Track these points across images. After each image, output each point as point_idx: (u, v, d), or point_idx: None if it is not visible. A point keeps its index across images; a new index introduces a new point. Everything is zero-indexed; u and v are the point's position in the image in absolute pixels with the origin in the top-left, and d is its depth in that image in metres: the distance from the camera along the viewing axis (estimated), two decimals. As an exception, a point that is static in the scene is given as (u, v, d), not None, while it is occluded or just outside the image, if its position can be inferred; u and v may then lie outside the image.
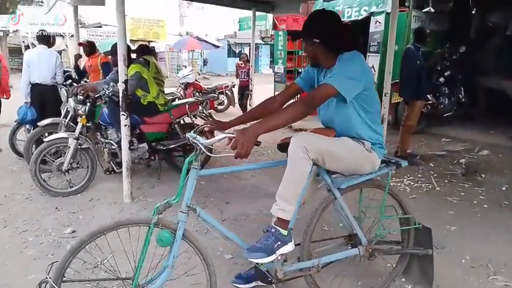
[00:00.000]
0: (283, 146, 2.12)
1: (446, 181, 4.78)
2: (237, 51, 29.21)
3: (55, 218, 3.75)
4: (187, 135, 1.98)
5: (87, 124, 4.45)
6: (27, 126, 5.40)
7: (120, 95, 3.83)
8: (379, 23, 7.28)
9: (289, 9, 7.88)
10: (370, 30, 7.46)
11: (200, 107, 5.10)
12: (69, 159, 4.25)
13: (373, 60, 7.34)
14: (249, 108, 8.12)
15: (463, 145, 5.92)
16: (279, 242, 1.97)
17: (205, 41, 19.30)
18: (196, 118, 5.13)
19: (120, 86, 3.82)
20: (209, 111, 5.97)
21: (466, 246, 3.13)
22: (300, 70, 9.17)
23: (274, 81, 9.43)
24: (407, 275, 2.62)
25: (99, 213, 3.89)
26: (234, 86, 11.40)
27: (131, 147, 4.25)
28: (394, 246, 2.47)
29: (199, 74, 23.02)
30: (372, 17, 7.50)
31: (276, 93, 9.32)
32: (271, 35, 29.57)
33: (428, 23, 7.13)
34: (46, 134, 4.72)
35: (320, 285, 2.30)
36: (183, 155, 5.02)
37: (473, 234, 3.37)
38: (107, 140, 4.56)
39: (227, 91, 11.05)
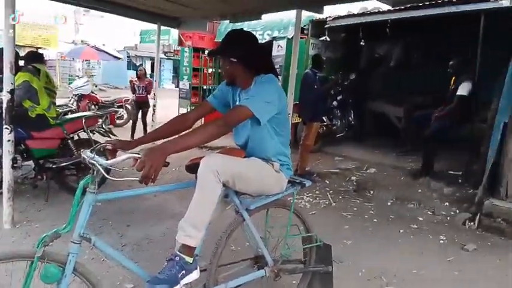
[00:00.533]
0: (192, 168, 2.05)
1: (340, 197, 5.12)
2: (137, 64, 28.19)
3: None
4: (84, 154, 1.80)
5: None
6: None
7: (4, 105, 3.37)
8: (281, 47, 7.68)
9: (195, 27, 7.83)
10: (273, 54, 7.80)
11: (99, 122, 4.74)
12: None
13: (275, 82, 7.67)
14: (151, 125, 7.75)
15: (353, 163, 6.43)
16: (183, 271, 1.86)
17: (104, 51, 18.19)
18: (94, 134, 4.75)
19: (5, 96, 3.37)
20: (109, 126, 5.58)
21: (361, 259, 3.35)
22: (204, 87, 9.18)
23: (179, 97, 9.28)
24: (309, 292, 2.70)
25: (-29, 243, 3.33)
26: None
27: (14, 165, 3.76)
28: (298, 265, 2.53)
29: (95, 86, 21.60)
30: (274, 41, 7.87)
31: (181, 109, 9.31)
32: (174, 50, 29.33)
33: (324, 51, 7.70)
34: None
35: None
36: (77, 175, 4.61)
37: (367, 248, 3.63)
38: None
39: (127, 105, 10.51)
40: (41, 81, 4.24)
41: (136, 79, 8.54)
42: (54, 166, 4.30)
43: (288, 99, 5.68)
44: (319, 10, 5.79)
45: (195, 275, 1.91)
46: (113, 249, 1.89)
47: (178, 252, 1.88)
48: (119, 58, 18.53)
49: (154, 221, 4.04)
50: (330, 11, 6.88)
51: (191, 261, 1.89)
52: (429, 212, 4.65)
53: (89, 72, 23.68)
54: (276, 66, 7.38)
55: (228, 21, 8.50)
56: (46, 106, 4.25)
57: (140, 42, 29.74)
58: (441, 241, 3.89)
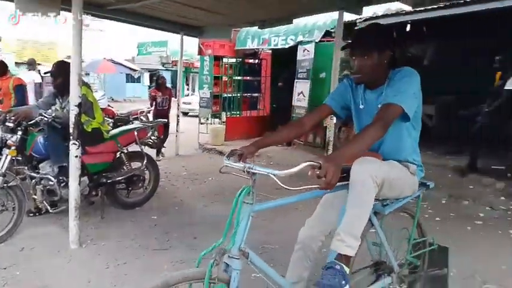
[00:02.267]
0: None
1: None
2: (136, 76, 28.08)
3: (-20, 279, 2.95)
4: (242, 164, 1.70)
5: (16, 157, 3.68)
6: None
7: (72, 120, 3.23)
8: (308, 51, 7.62)
9: (218, 35, 7.77)
10: (298, 58, 7.75)
11: (149, 133, 4.62)
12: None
13: (302, 86, 7.61)
14: (175, 135, 7.58)
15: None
16: (344, 281, 1.75)
17: (121, 64, 18.01)
18: (144, 146, 4.63)
19: (73, 111, 3.23)
20: (159, 137, 5.46)
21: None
22: (225, 95, 9.08)
23: (200, 106, 9.16)
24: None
25: (41, 266, 3.16)
26: (149, 112, 10.80)
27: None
28: (417, 271, 2.43)
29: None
30: (299, 46, 7.82)
31: (202, 118, 9.17)
32: (172, 61, 29.29)
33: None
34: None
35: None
36: (127, 189, 4.48)
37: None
38: (41, 175, 3.82)
39: (142, 117, 10.37)
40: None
41: (156, 90, 7.87)
42: (108, 181, 4.18)
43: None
44: (359, 11, 5.75)
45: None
46: (267, 265, 1.79)
47: (337, 261, 1.77)
48: (136, 70, 18.36)
49: (218, 232, 3.89)
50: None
51: (348, 272, 1.78)
52: (487, 208, 4.61)
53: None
54: (302, 70, 7.43)
55: (247, 28, 8.51)
56: (101, 120, 4.13)
57: (137, 55, 29.61)
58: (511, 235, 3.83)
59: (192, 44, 8.74)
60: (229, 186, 5.54)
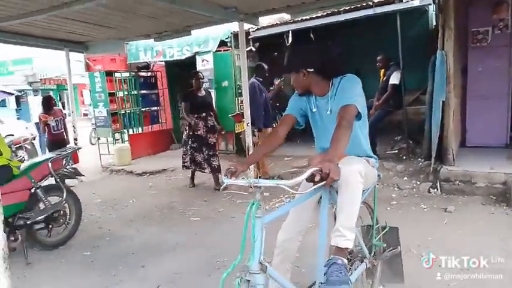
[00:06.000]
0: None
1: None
2: (-2, 100, 24.49)
3: None
4: (246, 181, 1.74)
5: None
6: None
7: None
8: (207, 61, 7.70)
9: (107, 49, 7.33)
10: (198, 68, 7.77)
11: (64, 162, 4.17)
12: None
13: (206, 95, 7.65)
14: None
15: (304, 161, 6.84)
16: (348, 273, 1.91)
17: None
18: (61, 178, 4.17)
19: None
20: (73, 166, 4.89)
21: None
22: (123, 111, 8.60)
23: (96, 126, 8.51)
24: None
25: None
26: (34, 139, 9.66)
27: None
28: (383, 252, 2.68)
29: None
30: (197, 56, 7.85)
31: (93, 140, 8.53)
32: (41, 79, 26.43)
33: (247, 60, 7.96)
34: None
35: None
36: (48, 228, 4.00)
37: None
38: None
39: (26, 145, 9.24)
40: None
41: (44, 114, 6.81)
42: (28, 222, 3.68)
43: (245, 109, 5.84)
44: (256, 21, 6.05)
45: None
46: (283, 278, 1.85)
47: (337, 256, 1.90)
48: (12, 94, 15.91)
49: (164, 256, 3.76)
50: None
51: (347, 263, 1.94)
52: (396, 189, 5.26)
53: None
54: (204, 80, 7.49)
55: (137, 41, 8.20)
56: (9, 155, 3.61)
57: (-3, 76, 26.01)
58: (425, 209, 4.48)
59: (64, 58, 7.64)
60: (155, 206, 5.33)
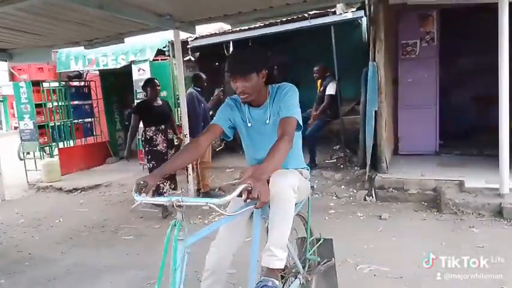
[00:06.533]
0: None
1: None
2: None
3: None
4: (167, 198, 1.58)
5: None
6: None
7: None
8: (143, 70, 7.40)
9: (35, 58, 6.81)
10: (134, 78, 7.46)
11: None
12: None
13: (144, 106, 7.35)
14: None
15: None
16: None
17: None
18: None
19: None
20: None
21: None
22: (52, 124, 8.02)
23: (21, 139, 7.85)
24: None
25: None
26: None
27: None
28: (317, 266, 2.62)
29: None
30: (133, 65, 7.52)
31: (21, 154, 7.88)
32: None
33: (186, 70, 7.78)
34: None
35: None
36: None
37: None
38: None
39: None
40: None
41: None
42: None
43: (182, 119, 5.66)
44: (193, 30, 5.92)
45: None
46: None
47: (268, 278, 1.79)
48: None
49: (90, 280, 3.46)
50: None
51: (279, 284, 1.83)
52: (334, 197, 5.32)
53: None
54: (140, 90, 7.19)
55: (69, 48, 7.73)
56: None
57: None
58: (361, 218, 4.54)
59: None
60: (84, 226, 4.95)
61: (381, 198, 5.02)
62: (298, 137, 2.15)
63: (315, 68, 6.33)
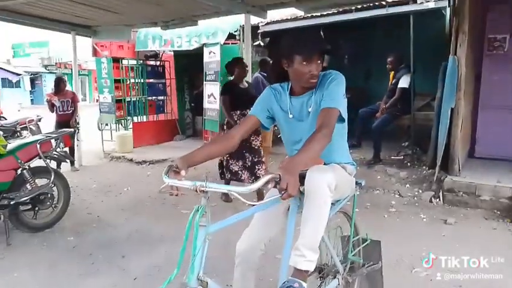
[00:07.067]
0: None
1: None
2: (14, 81, 24.82)
3: None
4: (192, 182, 1.56)
5: None
6: None
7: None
8: (214, 53, 7.55)
9: (115, 36, 7.28)
10: (205, 60, 7.64)
11: (53, 145, 4.09)
12: None
13: (212, 88, 7.51)
14: (76, 144, 6.75)
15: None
16: None
17: (2, 68, 15.64)
18: (50, 160, 4.10)
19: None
20: (64, 149, 4.80)
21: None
22: (128, 99, 8.54)
23: (100, 111, 8.47)
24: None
25: None
26: (40, 120, 9.66)
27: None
28: (361, 268, 2.48)
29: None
30: (205, 48, 7.71)
31: (103, 124, 8.50)
32: (56, 63, 26.65)
33: (255, 54, 7.82)
34: None
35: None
36: (34, 209, 3.93)
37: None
38: None
39: (31, 126, 9.27)
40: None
41: (52, 94, 6.80)
42: (11, 202, 3.61)
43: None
44: (264, 15, 5.90)
45: None
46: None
47: (295, 279, 1.70)
48: (19, 74, 16.19)
49: (148, 248, 3.65)
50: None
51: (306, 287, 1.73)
52: (396, 196, 5.06)
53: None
54: (210, 73, 7.34)
55: (147, 28, 8.12)
56: (-4, 133, 3.52)
57: (13, 57, 26.30)
58: (424, 219, 4.28)
59: (79, 44, 7.77)
60: (148, 196, 5.24)
61: (449, 201, 4.68)
62: (343, 129, 2.01)
63: (389, 59, 6.01)
